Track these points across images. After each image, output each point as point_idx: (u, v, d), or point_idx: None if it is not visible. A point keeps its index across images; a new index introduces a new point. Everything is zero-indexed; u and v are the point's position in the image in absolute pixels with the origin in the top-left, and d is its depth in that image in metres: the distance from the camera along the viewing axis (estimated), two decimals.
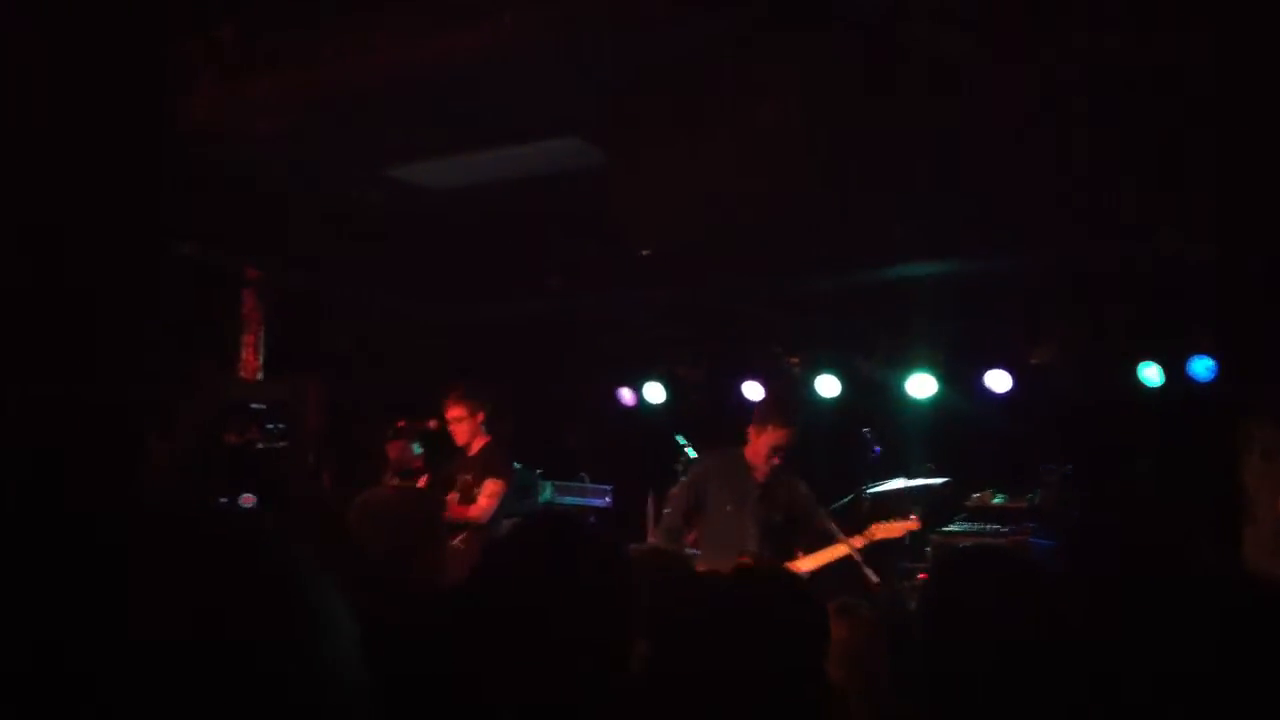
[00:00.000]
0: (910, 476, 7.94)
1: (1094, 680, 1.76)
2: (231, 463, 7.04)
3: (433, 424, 7.68)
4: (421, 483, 7.53)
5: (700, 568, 4.99)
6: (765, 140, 4.54)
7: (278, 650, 0.89)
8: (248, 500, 6.90)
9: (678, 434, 8.85)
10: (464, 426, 7.19)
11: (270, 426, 7.14)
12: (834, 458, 8.47)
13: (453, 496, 7.16)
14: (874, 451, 8.13)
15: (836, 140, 5.08)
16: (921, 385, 8.70)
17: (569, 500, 9.17)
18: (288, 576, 0.94)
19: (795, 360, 9.17)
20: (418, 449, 8.05)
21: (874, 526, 6.90)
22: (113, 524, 0.93)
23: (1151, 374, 7.89)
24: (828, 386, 9.10)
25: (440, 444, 7.79)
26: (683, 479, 7.30)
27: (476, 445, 7.20)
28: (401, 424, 7.86)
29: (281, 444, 7.12)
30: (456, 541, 7.01)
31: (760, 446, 6.65)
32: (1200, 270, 6.95)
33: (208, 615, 0.87)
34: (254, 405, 7.18)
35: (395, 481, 7.73)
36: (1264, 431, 7.17)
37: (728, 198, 4.76)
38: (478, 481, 7.05)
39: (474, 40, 4.41)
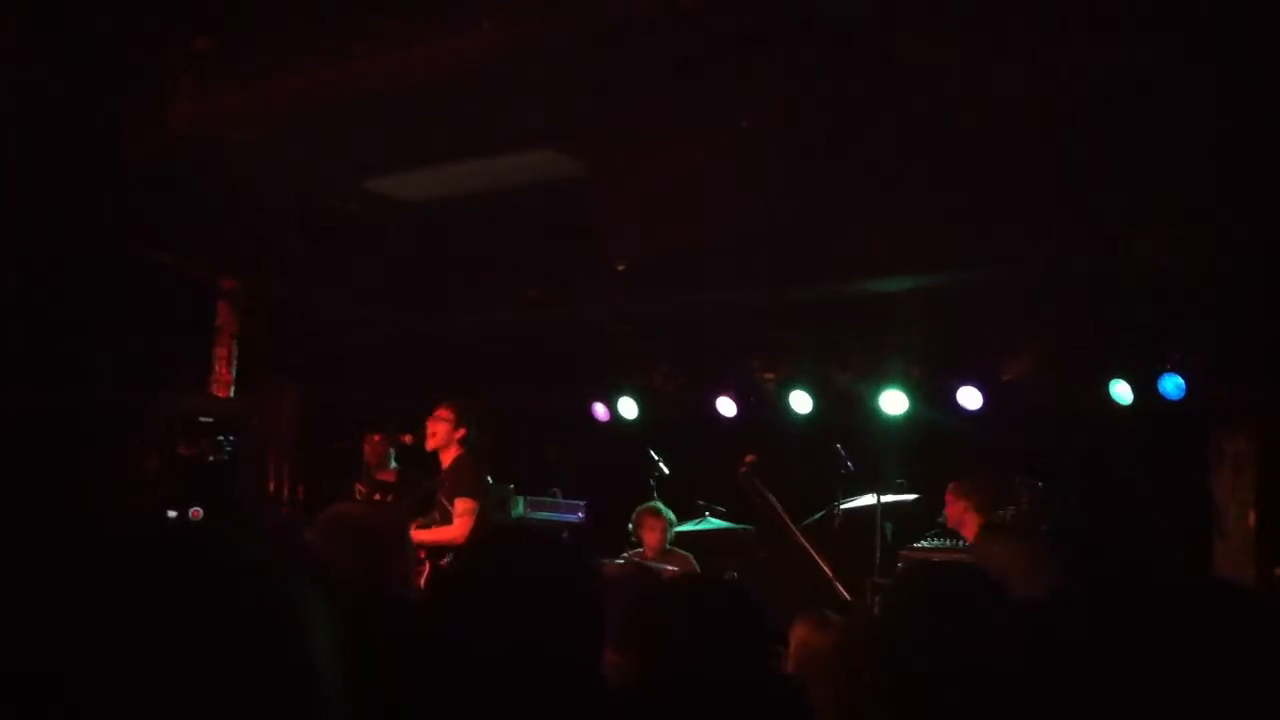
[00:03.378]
0: (882, 492, 7.96)
1: (1060, 691, 1.76)
2: (182, 475, 7.02)
3: (407, 438, 7.67)
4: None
5: None
6: (742, 153, 4.56)
7: (263, 660, 0.89)
8: (196, 514, 6.88)
9: (651, 449, 8.86)
10: (442, 429, 7.20)
11: (221, 439, 7.12)
12: (807, 473, 8.50)
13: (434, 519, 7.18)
14: (847, 467, 8.16)
15: (812, 153, 5.10)
16: (893, 401, 8.73)
17: (542, 516, 9.14)
18: (273, 593, 0.93)
19: (770, 375, 9.19)
20: (394, 463, 8.02)
21: None
22: (87, 535, 0.92)
23: (1122, 391, 7.94)
24: (800, 402, 9.12)
25: (415, 458, 7.77)
26: None
27: (448, 458, 7.21)
28: (377, 438, 7.84)
29: (228, 457, 7.10)
30: (445, 562, 7.00)
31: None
32: (1170, 286, 7.00)
33: (188, 625, 0.86)
34: (203, 419, 7.16)
35: (363, 488, 7.71)
36: (1234, 445, 7.24)
37: (704, 210, 4.77)
38: (450, 500, 7.06)
39: (452, 49, 4.41)
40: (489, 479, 7.55)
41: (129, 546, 0.93)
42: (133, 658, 0.84)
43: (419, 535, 7.00)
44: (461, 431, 7.20)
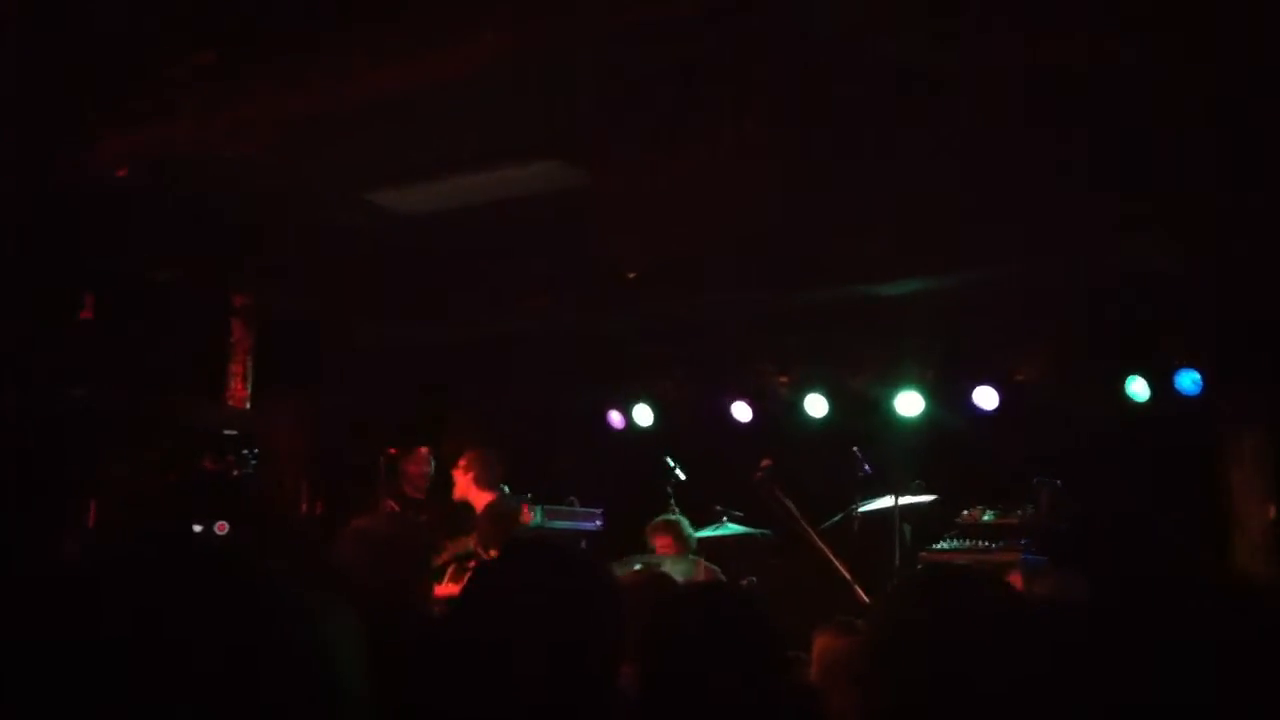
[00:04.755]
0: (900, 494, 7.94)
1: (1074, 695, 1.75)
2: (207, 489, 7.03)
3: (424, 450, 7.68)
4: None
5: None
6: (749, 158, 4.57)
7: (288, 675, 0.90)
8: (222, 528, 6.89)
9: (667, 455, 8.85)
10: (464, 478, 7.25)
11: (246, 453, 7.13)
12: (824, 476, 8.48)
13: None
14: (864, 470, 8.14)
15: (820, 157, 5.11)
16: (910, 403, 8.72)
17: (559, 524, 9.11)
18: (299, 609, 0.94)
19: (784, 380, 9.18)
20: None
21: None
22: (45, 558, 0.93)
23: (1138, 388, 7.91)
24: (816, 406, 9.11)
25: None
26: None
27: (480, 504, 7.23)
28: (394, 451, 7.84)
29: (253, 470, 7.11)
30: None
31: None
32: (1185, 283, 6.99)
33: (199, 644, 0.87)
34: (227, 432, 7.17)
35: (394, 505, 7.69)
36: (1251, 440, 7.21)
37: (713, 216, 4.77)
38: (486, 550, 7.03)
39: (454, 61, 4.42)
40: (505, 488, 7.54)
41: (154, 563, 0.93)
42: (157, 674, 0.85)
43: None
44: (471, 475, 7.24)
